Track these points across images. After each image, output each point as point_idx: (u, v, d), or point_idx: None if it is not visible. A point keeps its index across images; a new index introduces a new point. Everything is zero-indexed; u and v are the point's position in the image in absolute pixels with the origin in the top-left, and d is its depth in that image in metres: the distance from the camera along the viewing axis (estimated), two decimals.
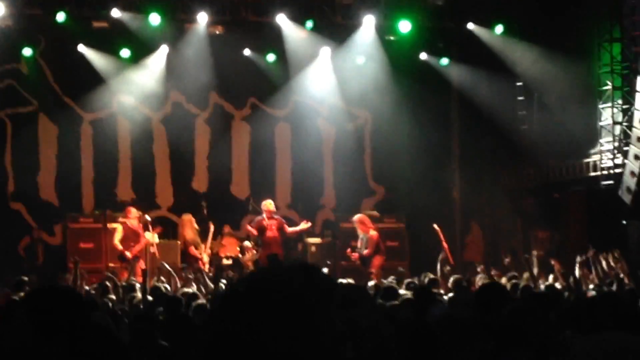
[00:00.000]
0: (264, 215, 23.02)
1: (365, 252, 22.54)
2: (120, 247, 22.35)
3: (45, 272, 21.11)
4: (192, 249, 23.29)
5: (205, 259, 23.06)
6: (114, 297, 14.76)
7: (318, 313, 2.17)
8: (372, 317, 4.13)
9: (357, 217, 23.32)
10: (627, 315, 9.91)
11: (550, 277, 17.79)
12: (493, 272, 19.92)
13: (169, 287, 16.11)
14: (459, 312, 9.25)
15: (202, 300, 12.91)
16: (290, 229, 23.40)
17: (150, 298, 13.76)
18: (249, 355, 2.11)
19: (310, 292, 2.18)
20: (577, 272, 16.79)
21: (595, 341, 3.25)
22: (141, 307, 12.81)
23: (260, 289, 2.18)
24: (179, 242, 23.72)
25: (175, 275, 18.13)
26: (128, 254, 22.20)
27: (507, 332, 7.00)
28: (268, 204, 23.23)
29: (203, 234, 23.69)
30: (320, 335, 2.16)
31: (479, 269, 20.35)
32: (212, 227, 23.74)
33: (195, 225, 23.74)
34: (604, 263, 17.36)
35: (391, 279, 18.26)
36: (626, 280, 15.69)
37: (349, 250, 22.83)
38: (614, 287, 14.53)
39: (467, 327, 5.26)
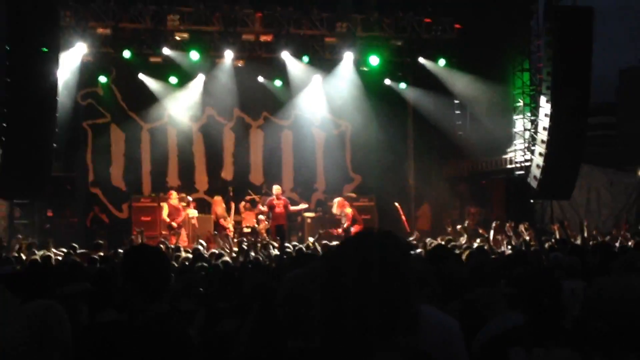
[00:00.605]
0: (274, 196, 23.04)
1: (345, 224, 22.69)
2: (167, 220, 22.40)
3: (113, 238, 21.04)
4: (222, 221, 23.34)
5: (231, 228, 23.08)
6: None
7: (404, 260, 2.28)
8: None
9: (335, 200, 23.43)
10: (533, 266, 9.96)
11: (478, 240, 17.73)
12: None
13: (203, 249, 16.09)
14: (416, 264, 9.17)
15: (226, 258, 12.91)
16: (292, 207, 23.44)
17: (191, 256, 13.77)
18: (354, 286, 2.20)
19: (397, 247, 2.29)
20: (491, 233, 16.86)
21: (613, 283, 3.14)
22: (186, 263, 12.78)
23: (366, 244, 2.27)
24: (212, 216, 23.76)
25: (206, 241, 18.21)
26: (174, 224, 22.24)
27: (462, 282, 6.94)
28: (276, 189, 23.29)
29: (229, 210, 23.82)
30: (404, 272, 2.26)
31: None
32: (233, 206, 23.82)
33: (223, 204, 23.79)
34: (516, 231, 17.36)
35: None
36: (532, 244, 15.67)
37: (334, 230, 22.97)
38: (523, 248, 14.52)
39: (422, 276, 5.22)
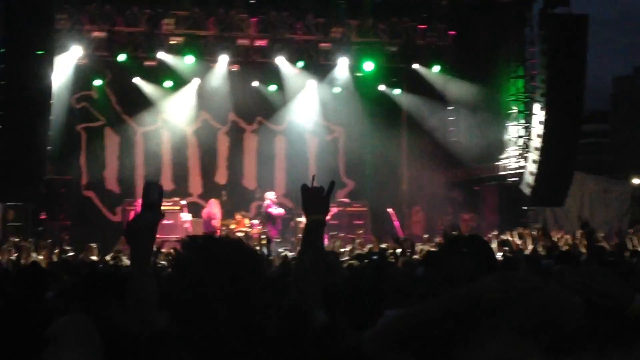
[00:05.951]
0: (269, 202, 23.18)
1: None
2: None
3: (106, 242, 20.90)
4: (213, 222, 23.43)
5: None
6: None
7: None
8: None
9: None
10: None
11: None
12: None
13: None
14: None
15: None
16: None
17: None
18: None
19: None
20: (494, 245, 16.82)
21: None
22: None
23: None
24: (204, 217, 23.90)
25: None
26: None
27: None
28: (271, 194, 23.46)
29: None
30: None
31: None
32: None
33: (220, 207, 23.98)
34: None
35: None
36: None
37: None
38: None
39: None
